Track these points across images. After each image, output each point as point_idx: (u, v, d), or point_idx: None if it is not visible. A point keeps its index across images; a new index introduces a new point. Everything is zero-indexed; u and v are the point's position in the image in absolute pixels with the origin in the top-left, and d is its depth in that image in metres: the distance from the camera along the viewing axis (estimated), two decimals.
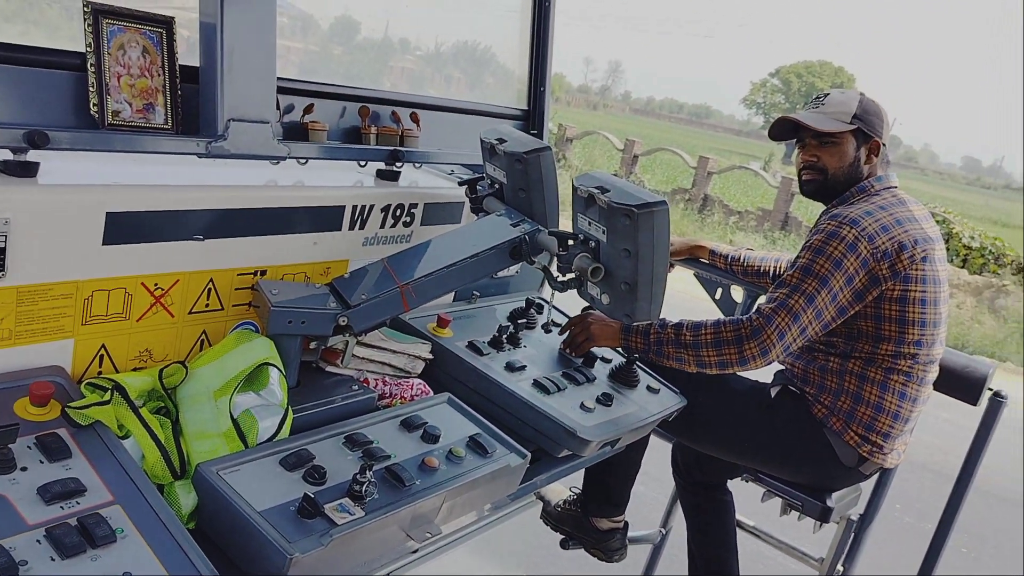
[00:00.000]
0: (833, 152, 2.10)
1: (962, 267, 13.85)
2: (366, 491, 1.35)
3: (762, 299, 2.37)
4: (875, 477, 2.23)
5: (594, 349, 2.10)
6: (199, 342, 1.64)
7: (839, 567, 2.34)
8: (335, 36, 3.05)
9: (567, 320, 2.14)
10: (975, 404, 2.19)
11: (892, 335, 1.98)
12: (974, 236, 14.40)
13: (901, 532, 4.71)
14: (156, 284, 1.52)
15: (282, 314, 1.55)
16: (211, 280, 1.60)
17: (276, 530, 1.23)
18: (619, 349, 2.13)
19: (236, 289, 1.66)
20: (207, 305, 1.62)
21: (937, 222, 12.30)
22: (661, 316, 2.02)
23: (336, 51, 3.07)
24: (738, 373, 2.02)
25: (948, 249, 14.29)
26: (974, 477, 2.25)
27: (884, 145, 2.12)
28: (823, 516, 2.14)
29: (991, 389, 2.20)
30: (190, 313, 1.60)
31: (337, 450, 1.47)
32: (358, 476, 1.35)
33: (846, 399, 2.03)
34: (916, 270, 1.94)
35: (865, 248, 1.92)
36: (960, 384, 2.18)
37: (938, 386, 2.14)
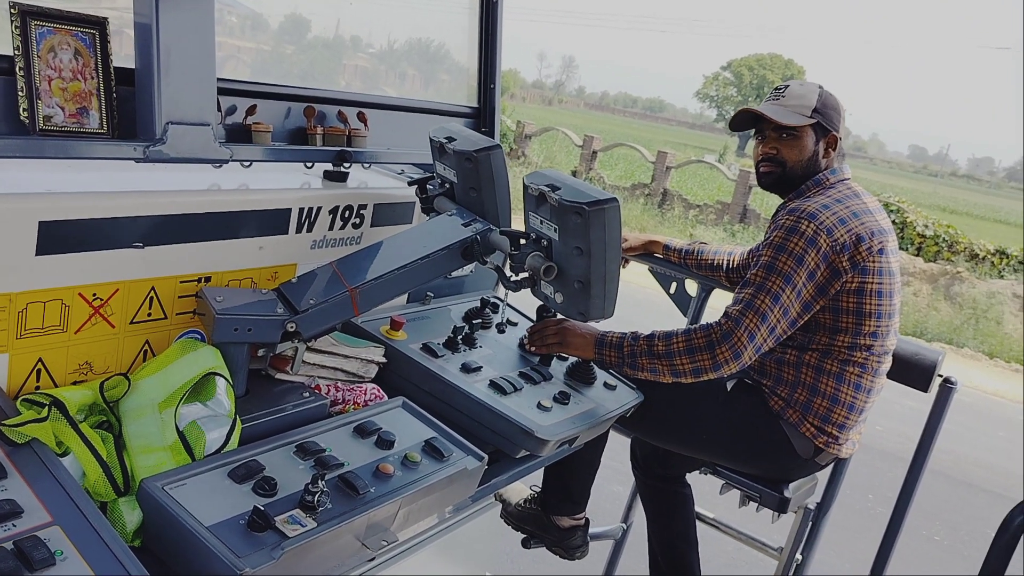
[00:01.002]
0: (792, 145, 2.11)
1: (917, 255, 14.14)
2: (318, 501, 1.32)
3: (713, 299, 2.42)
4: (831, 467, 2.26)
5: None
6: (142, 353, 1.59)
7: (798, 556, 2.36)
8: (285, 35, 3.00)
9: (543, 319, 2.12)
10: (926, 391, 2.22)
11: (849, 327, 1.99)
12: (928, 225, 14.71)
13: (872, 522, 4.78)
14: (95, 294, 1.47)
15: (227, 321, 1.51)
16: (153, 288, 1.55)
17: (225, 545, 1.19)
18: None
19: (179, 297, 1.61)
20: (149, 314, 1.57)
21: (892, 211, 12.58)
22: (634, 330, 2.02)
23: (288, 50, 3.02)
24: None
25: (903, 238, 14.59)
26: (927, 462, 2.29)
27: (840, 139, 2.13)
28: (781, 507, 2.15)
29: (941, 375, 2.23)
30: (131, 323, 1.55)
31: (288, 460, 1.43)
32: (310, 486, 1.32)
33: (802, 391, 2.05)
34: (873, 262, 1.96)
35: (825, 242, 1.93)
36: (911, 372, 2.21)
37: (889, 374, 2.16)
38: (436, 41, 2.90)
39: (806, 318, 1.99)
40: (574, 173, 17.58)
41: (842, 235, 1.95)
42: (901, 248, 14.24)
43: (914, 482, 2.29)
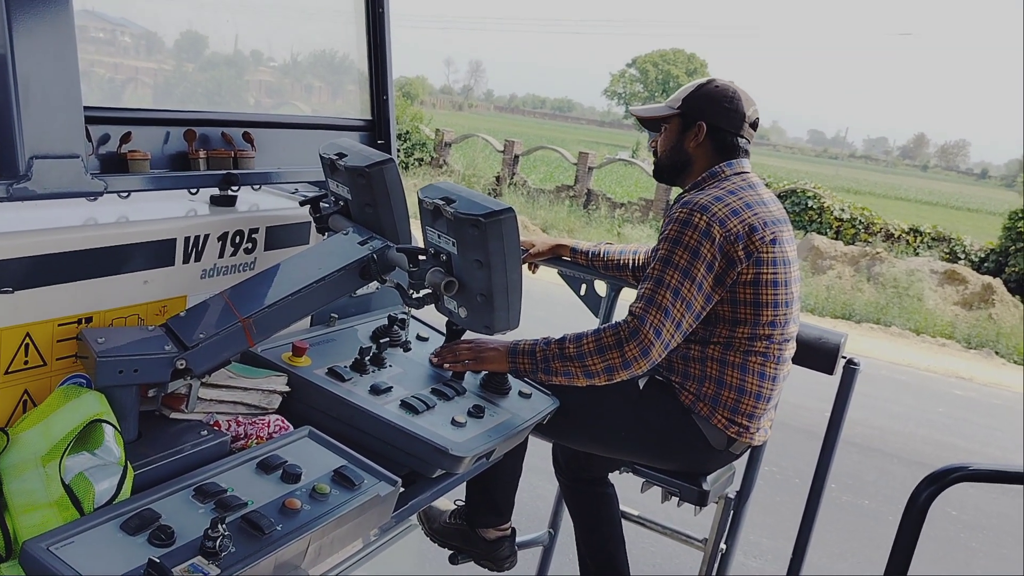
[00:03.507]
0: (663, 137, 2.23)
1: (836, 239, 14.65)
2: (220, 546, 1.25)
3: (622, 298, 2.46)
4: (746, 455, 2.29)
5: None
6: (21, 404, 1.48)
7: (722, 545, 2.39)
8: (182, 53, 2.89)
9: (452, 333, 2.09)
10: (831, 373, 2.28)
11: (748, 318, 2.02)
12: (844, 208, 15.25)
13: (840, 511, 4.88)
14: None
15: (110, 364, 1.42)
16: (27, 335, 1.46)
17: None
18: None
19: (59, 341, 1.51)
20: (26, 362, 1.47)
21: (809, 197, 12.99)
22: (545, 335, 2.01)
23: (189, 68, 2.91)
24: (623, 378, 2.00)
25: (821, 222, 15.11)
26: (838, 441, 2.34)
27: (726, 129, 2.13)
28: (700, 500, 2.17)
29: (844, 357, 2.29)
30: (6, 373, 1.44)
31: (186, 504, 1.36)
32: (209, 531, 1.25)
33: (710, 385, 2.07)
34: (767, 252, 1.99)
35: (718, 232, 1.96)
36: (816, 356, 2.26)
37: (795, 359, 2.21)
38: (340, 52, 2.84)
39: (708, 309, 2.01)
40: (498, 179, 17.56)
41: (735, 225, 1.97)
42: (820, 232, 14.76)
43: (827, 460, 2.34)
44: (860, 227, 15.07)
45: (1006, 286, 12.90)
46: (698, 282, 1.95)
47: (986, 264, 13.95)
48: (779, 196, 15.52)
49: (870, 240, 14.73)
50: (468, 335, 2.06)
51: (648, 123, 2.26)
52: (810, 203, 15.40)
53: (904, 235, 14.80)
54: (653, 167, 2.29)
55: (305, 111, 2.88)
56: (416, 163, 18.64)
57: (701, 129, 2.14)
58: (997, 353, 11.08)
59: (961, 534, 4.98)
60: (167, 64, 2.81)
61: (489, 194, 16.41)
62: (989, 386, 9.21)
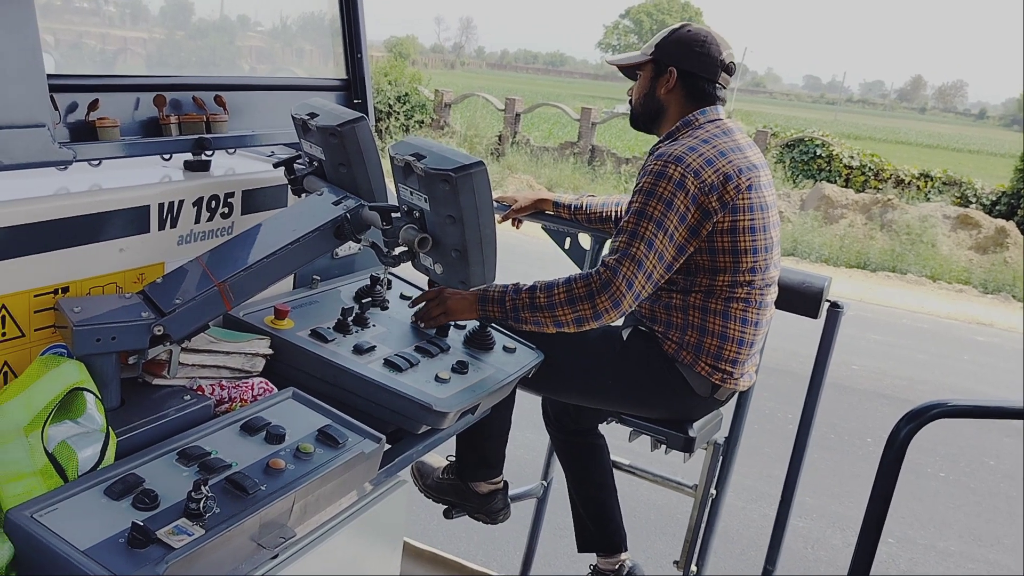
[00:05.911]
0: (637, 84, 2.22)
1: (846, 187, 14.44)
2: (204, 507, 1.27)
3: (606, 250, 2.46)
4: (734, 401, 2.31)
5: None
6: (1, 375, 1.50)
7: (712, 491, 2.42)
8: (167, 20, 2.85)
9: (421, 293, 2.09)
10: (816, 317, 2.27)
11: (727, 265, 2.02)
12: (853, 155, 15.01)
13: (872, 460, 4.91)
14: None
15: (87, 332, 1.43)
16: (3, 306, 1.46)
17: (104, 568, 1.14)
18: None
19: (36, 312, 1.52)
20: (4, 334, 1.48)
21: (817, 145, 12.73)
22: (516, 281, 2.01)
23: (178, 35, 2.87)
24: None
25: (831, 171, 14.91)
26: (824, 383, 2.35)
27: (698, 75, 2.10)
28: (687, 446, 2.19)
29: (829, 300, 2.29)
30: None
31: (170, 468, 1.38)
32: (192, 493, 1.27)
33: (692, 333, 2.07)
34: (743, 199, 1.98)
35: (692, 184, 1.95)
36: (800, 300, 2.25)
37: (780, 304, 2.21)
38: (329, 14, 2.81)
39: (681, 261, 2.01)
40: (500, 138, 17.33)
41: (709, 176, 1.96)
42: (830, 181, 14.58)
43: (814, 402, 2.35)
44: (870, 174, 14.83)
45: (1019, 228, 12.76)
46: (671, 233, 1.95)
47: (998, 207, 13.73)
48: (786, 146, 15.43)
49: (880, 187, 14.52)
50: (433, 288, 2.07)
51: (625, 71, 2.25)
52: (818, 151, 15.17)
53: (915, 180, 14.58)
54: (631, 116, 2.27)
55: (300, 75, 2.86)
56: (417, 125, 18.36)
57: (672, 75, 2.12)
58: (1015, 297, 11.01)
59: (1001, 484, 5.01)
60: (158, 34, 2.79)
61: (492, 154, 16.24)
62: (1010, 331, 9.16)
